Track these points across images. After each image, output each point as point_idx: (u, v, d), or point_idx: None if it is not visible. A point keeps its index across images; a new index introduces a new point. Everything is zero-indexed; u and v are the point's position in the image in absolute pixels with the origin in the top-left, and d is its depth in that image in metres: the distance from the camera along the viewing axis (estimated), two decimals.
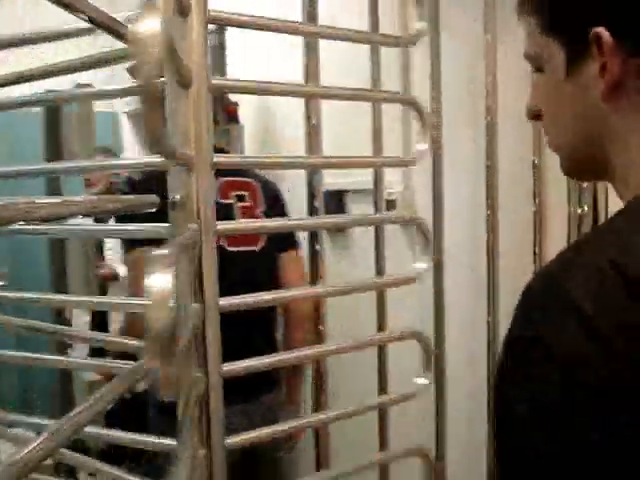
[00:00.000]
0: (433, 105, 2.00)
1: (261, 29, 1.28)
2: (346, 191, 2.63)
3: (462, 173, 2.16)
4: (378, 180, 2.03)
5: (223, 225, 1.33)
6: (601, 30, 0.69)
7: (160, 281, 0.76)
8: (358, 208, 2.57)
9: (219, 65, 2.98)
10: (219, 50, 2.96)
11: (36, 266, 3.14)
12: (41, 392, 3.49)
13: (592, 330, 0.57)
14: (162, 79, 1.27)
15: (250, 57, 3.10)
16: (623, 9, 0.69)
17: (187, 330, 1.16)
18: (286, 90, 1.36)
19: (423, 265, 1.53)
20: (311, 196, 2.01)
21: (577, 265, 0.62)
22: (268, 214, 2.30)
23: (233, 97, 2.88)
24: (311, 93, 1.44)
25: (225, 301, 1.33)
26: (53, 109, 2.68)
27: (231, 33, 2.97)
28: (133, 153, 4.23)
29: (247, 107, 3.13)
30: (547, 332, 0.60)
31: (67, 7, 1.08)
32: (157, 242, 0.98)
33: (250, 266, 2.20)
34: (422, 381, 1.54)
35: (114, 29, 1.21)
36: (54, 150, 2.69)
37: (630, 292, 0.57)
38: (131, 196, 1.30)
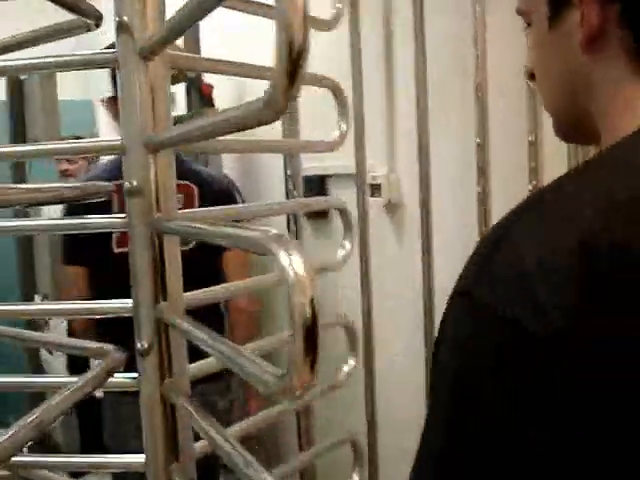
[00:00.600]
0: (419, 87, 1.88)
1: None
2: (329, 176, 2.50)
3: (451, 153, 2.03)
4: (359, 163, 1.90)
5: (184, 214, 1.20)
6: None
7: (294, 263, 0.64)
8: (342, 194, 2.44)
9: (193, 44, 2.83)
10: (192, 28, 2.81)
11: (4, 258, 3.01)
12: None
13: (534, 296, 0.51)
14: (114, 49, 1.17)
15: (225, 37, 2.96)
16: None
17: None
18: (239, 72, 1.24)
19: (342, 252, 1.47)
20: (288, 183, 1.89)
21: (541, 227, 0.56)
22: None
23: (209, 80, 2.75)
24: (247, 73, 1.30)
25: (191, 296, 1.20)
26: (17, 94, 2.54)
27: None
28: None
29: (224, 91, 3.01)
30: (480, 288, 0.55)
31: None
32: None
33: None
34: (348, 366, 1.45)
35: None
36: (20, 137, 2.56)
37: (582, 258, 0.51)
38: (90, 182, 1.16)
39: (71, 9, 1.13)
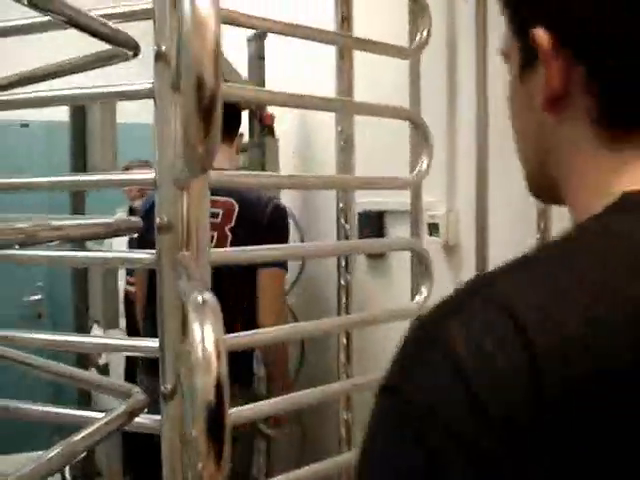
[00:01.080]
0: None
1: (258, 29, 1.10)
2: (386, 212, 2.43)
3: (512, 192, 1.93)
4: (415, 200, 1.82)
5: (219, 253, 1.15)
6: (538, 31, 0.58)
7: (206, 338, 0.56)
8: (398, 231, 2.36)
9: (257, 76, 2.82)
10: (257, 60, 2.80)
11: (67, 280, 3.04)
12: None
13: (470, 390, 0.45)
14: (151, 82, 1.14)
15: (289, 67, 2.94)
16: (563, 4, 0.57)
17: None
18: (278, 100, 1.19)
19: (421, 297, 1.42)
20: (340, 218, 1.82)
21: (467, 312, 0.50)
22: (236, 232, 2.08)
23: (270, 109, 2.73)
24: (305, 104, 1.25)
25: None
26: (79, 116, 2.56)
27: (270, 42, 2.80)
28: None
29: (286, 121, 2.98)
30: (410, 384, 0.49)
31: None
32: None
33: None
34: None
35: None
36: (80, 161, 2.57)
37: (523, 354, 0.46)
38: (121, 219, 1.12)
39: (109, 41, 1.10)
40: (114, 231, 1.17)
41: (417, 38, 1.52)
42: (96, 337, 1.37)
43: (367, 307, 2.40)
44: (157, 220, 1.11)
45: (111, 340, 1.24)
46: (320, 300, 2.83)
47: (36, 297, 4.03)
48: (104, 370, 2.79)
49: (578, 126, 0.59)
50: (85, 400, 2.76)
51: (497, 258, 1.87)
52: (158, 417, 1.14)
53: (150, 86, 1.12)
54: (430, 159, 1.49)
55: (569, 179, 0.62)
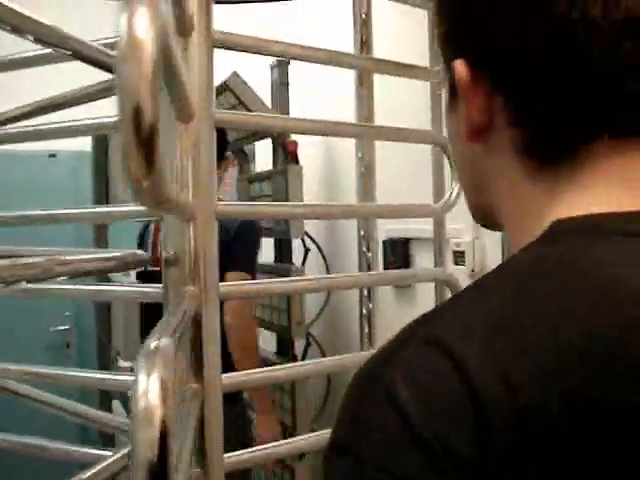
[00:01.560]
0: None
1: (274, 54, 1.06)
2: (411, 239, 2.37)
3: None
4: (438, 228, 1.76)
5: (227, 287, 1.10)
6: (456, 63, 0.57)
7: (150, 390, 0.51)
8: (424, 258, 2.30)
9: (282, 102, 2.79)
10: (281, 87, 2.77)
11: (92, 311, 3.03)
12: None
13: (416, 438, 0.43)
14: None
15: (314, 94, 2.91)
16: (479, 36, 0.56)
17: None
18: (298, 127, 1.15)
19: None
20: (361, 246, 1.77)
21: (405, 353, 0.48)
22: None
23: (293, 136, 2.69)
24: (321, 130, 1.21)
25: (226, 380, 1.10)
26: (101, 149, 2.55)
27: (295, 68, 2.78)
28: None
29: (311, 149, 2.95)
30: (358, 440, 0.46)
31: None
32: None
33: None
34: None
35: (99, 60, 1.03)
36: (102, 193, 2.56)
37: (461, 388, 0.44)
38: (129, 252, 1.09)
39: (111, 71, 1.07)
40: (124, 265, 1.13)
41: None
42: (105, 374, 1.33)
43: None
44: (163, 253, 1.07)
45: (111, 376, 1.19)
46: (345, 331, 2.77)
47: (64, 327, 4.04)
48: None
49: (504, 156, 0.57)
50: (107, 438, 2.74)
51: None
52: None
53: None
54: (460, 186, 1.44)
55: (502, 207, 0.60)
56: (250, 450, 1.10)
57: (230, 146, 3.06)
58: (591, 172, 0.54)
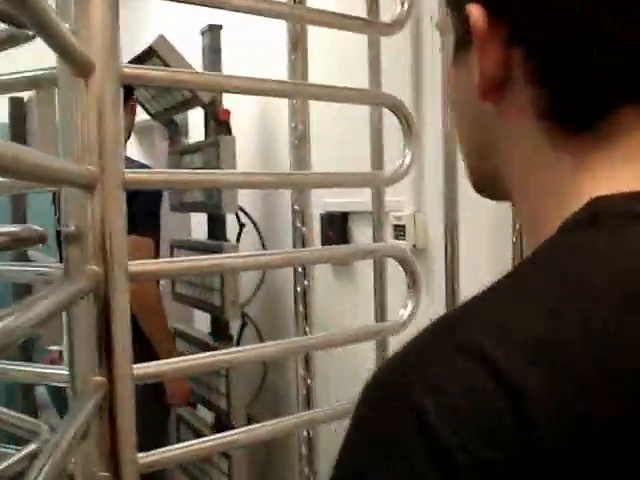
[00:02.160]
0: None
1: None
2: (350, 213, 2.26)
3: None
4: (376, 200, 1.65)
5: (139, 265, 0.97)
6: (472, 7, 0.50)
7: None
8: (363, 233, 2.19)
9: (214, 70, 2.63)
10: (213, 52, 2.61)
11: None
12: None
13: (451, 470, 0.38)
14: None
15: (246, 58, 2.76)
16: None
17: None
18: (217, 83, 1.01)
19: (407, 311, 1.31)
20: (295, 220, 1.66)
21: (432, 361, 0.42)
22: None
23: (227, 104, 2.55)
24: (244, 88, 1.07)
25: (141, 370, 0.97)
26: (19, 118, 2.37)
27: (226, 33, 2.63)
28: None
29: (246, 120, 2.81)
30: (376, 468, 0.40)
31: None
32: None
33: None
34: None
35: None
36: None
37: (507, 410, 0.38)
38: (20, 227, 0.94)
39: (4, 20, 0.93)
40: (18, 241, 0.99)
41: (398, 10, 1.35)
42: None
43: (331, 315, 2.23)
44: (62, 229, 0.93)
45: (17, 367, 1.05)
46: (282, 310, 2.65)
47: None
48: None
49: (521, 120, 0.51)
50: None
51: (469, 262, 1.74)
52: None
53: (50, 74, 0.95)
54: (414, 152, 1.33)
55: (514, 177, 0.54)
56: (167, 449, 0.98)
57: (160, 116, 2.90)
58: (625, 143, 0.48)
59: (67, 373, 0.97)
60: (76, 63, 0.85)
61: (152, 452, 0.97)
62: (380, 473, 0.40)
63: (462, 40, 0.54)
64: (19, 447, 1.07)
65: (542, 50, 0.48)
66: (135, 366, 0.96)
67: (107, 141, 0.92)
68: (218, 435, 1.04)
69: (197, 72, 1.02)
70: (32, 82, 1.01)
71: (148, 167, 2.81)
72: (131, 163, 2.45)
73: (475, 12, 0.50)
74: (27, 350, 2.69)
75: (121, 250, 0.94)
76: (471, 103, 0.55)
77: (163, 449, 0.98)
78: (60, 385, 1.01)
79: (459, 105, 0.59)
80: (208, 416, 2.73)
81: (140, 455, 0.97)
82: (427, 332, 0.45)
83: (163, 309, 2.42)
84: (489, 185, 0.59)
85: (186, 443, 1.01)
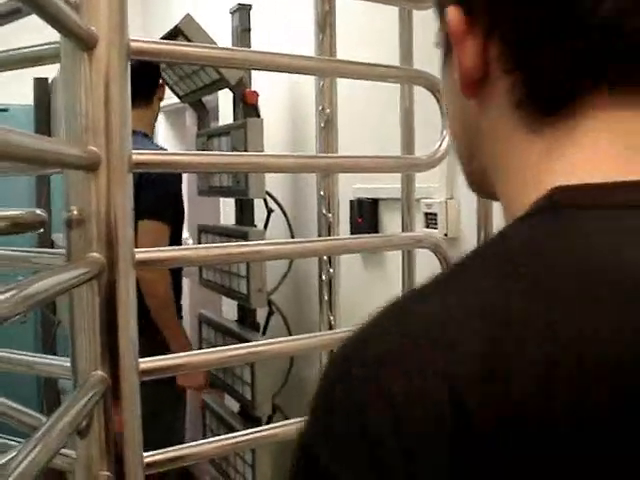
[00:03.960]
0: None
1: None
2: (380, 199, 2.18)
3: None
4: (406, 187, 1.57)
5: (145, 253, 0.91)
6: (450, 8, 0.53)
7: None
8: (393, 220, 2.11)
9: (243, 47, 2.57)
10: (242, 33, 2.55)
11: None
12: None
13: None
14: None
15: (275, 38, 2.70)
16: None
17: None
18: (238, 58, 0.94)
19: None
20: (321, 206, 1.60)
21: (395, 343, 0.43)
22: None
23: (256, 87, 2.48)
24: (269, 64, 1.00)
25: (147, 364, 0.91)
26: (44, 102, 2.34)
27: (256, 13, 2.56)
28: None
29: (274, 102, 2.74)
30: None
31: None
32: None
33: None
34: None
35: None
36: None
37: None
38: (19, 212, 0.89)
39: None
40: (19, 225, 0.94)
41: None
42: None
43: (358, 305, 2.16)
44: (63, 213, 0.87)
45: (18, 357, 1.00)
46: (308, 298, 2.59)
47: None
48: None
49: (499, 110, 0.53)
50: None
51: None
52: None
53: (57, 47, 0.89)
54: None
55: (496, 171, 0.55)
56: (174, 448, 0.92)
57: (188, 98, 2.85)
58: (592, 129, 0.49)
59: (69, 366, 0.92)
60: (75, 35, 0.79)
61: (158, 451, 0.91)
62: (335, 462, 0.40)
63: (447, 42, 0.56)
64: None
65: (514, 38, 0.50)
66: (141, 360, 0.91)
67: (113, 120, 0.87)
68: (228, 435, 0.99)
69: (209, 46, 0.96)
70: (35, 58, 0.95)
71: (164, 150, 2.77)
72: (147, 144, 2.41)
73: (451, 12, 0.52)
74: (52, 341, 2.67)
75: (127, 236, 0.89)
76: (458, 103, 0.57)
77: (170, 448, 0.92)
78: (62, 378, 0.96)
79: (450, 106, 0.61)
80: (235, 405, 2.68)
81: (146, 454, 0.91)
82: (386, 312, 0.45)
83: (172, 299, 2.38)
84: (483, 185, 0.59)
85: (193, 443, 0.95)
